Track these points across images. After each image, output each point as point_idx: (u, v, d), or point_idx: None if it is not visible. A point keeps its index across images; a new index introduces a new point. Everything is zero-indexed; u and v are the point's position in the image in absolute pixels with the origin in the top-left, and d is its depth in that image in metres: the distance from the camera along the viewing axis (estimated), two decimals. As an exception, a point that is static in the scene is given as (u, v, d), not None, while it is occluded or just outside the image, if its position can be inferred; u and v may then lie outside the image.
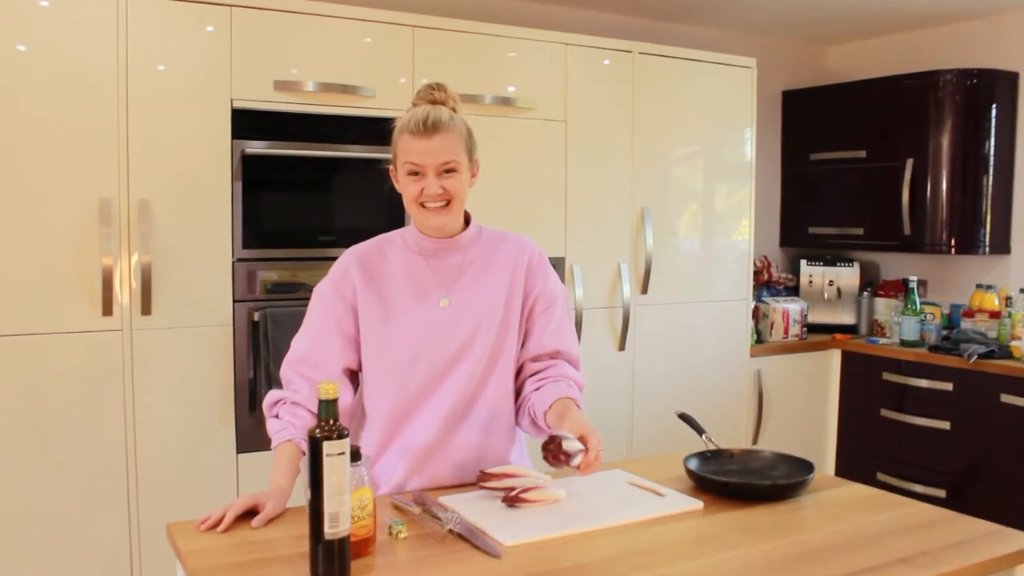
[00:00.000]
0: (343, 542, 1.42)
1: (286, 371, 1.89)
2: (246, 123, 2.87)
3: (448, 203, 1.83)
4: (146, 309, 2.73)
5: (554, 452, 1.73)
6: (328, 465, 1.40)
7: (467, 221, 1.95)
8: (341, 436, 1.42)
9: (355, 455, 1.52)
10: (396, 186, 1.89)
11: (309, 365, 1.86)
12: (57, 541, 2.66)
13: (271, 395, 1.88)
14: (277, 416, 1.85)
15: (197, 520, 1.66)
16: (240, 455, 2.91)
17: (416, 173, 1.81)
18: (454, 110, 1.86)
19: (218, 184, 2.84)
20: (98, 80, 2.65)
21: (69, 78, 2.61)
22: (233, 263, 2.87)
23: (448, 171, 1.81)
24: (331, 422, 1.42)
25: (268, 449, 1.83)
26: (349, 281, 1.89)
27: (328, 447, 1.40)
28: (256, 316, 2.89)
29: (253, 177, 2.89)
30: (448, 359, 1.88)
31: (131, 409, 2.74)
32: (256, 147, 2.89)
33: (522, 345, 1.96)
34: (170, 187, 2.76)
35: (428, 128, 1.78)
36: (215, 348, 2.86)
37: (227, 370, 2.87)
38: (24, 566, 2.62)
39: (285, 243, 2.97)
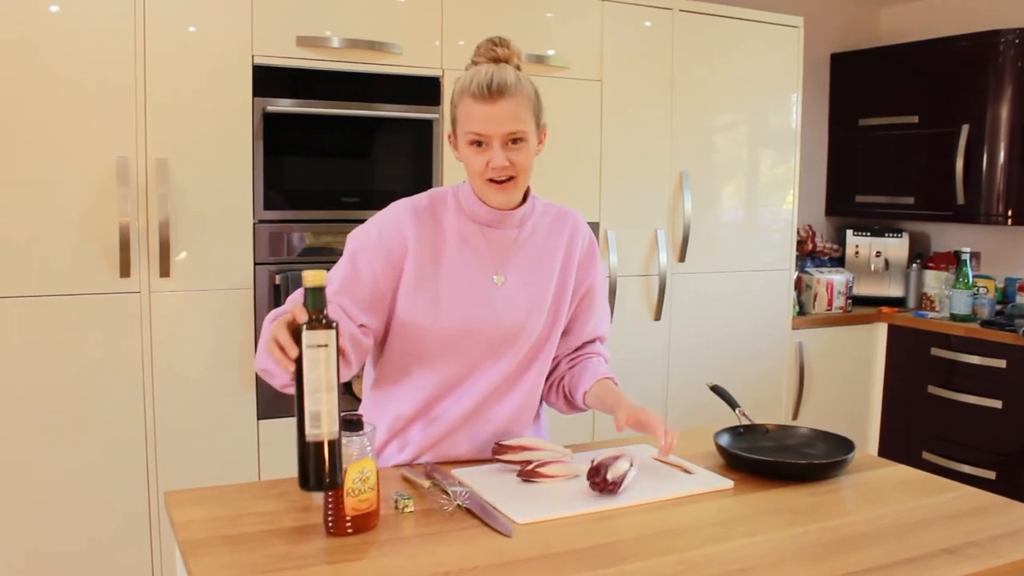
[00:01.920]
0: (332, 445, 1.30)
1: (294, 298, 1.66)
2: (268, 80, 2.78)
3: (514, 178, 1.68)
4: (164, 271, 2.66)
5: (600, 484, 1.60)
6: (308, 357, 1.27)
7: (525, 191, 1.81)
8: (328, 327, 1.29)
9: (357, 424, 1.43)
10: (455, 154, 1.73)
11: (335, 296, 1.66)
12: (75, 505, 2.62)
13: (272, 313, 1.62)
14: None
15: (194, 489, 1.59)
16: (261, 421, 2.85)
17: (479, 143, 1.65)
18: (518, 68, 1.70)
19: (239, 143, 2.75)
20: (115, 34, 2.57)
21: (85, 32, 2.53)
22: (254, 225, 2.79)
23: (515, 141, 1.65)
24: (319, 312, 1.30)
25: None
26: (401, 236, 1.71)
27: (308, 337, 1.27)
28: (278, 279, 2.81)
29: (275, 136, 2.80)
30: (496, 340, 1.76)
31: (150, 373, 2.68)
32: (278, 105, 2.79)
33: (565, 331, 1.88)
34: (189, 146, 2.68)
35: (493, 92, 1.61)
36: (236, 312, 2.78)
37: (248, 334, 2.80)
38: (42, 529, 2.59)
39: (308, 205, 2.88)
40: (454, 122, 1.70)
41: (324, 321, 1.29)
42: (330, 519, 1.41)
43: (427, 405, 1.77)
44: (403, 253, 1.71)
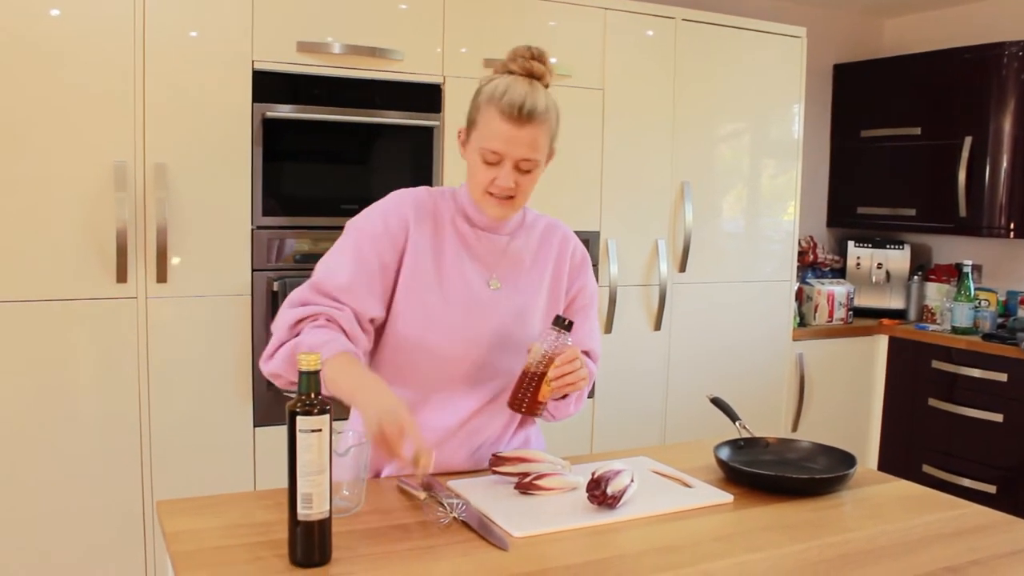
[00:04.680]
0: (323, 524, 1.32)
1: (308, 295, 1.62)
2: (268, 86, 2.76)
3: (514, 198, 1.66)
4: (161, 277, 2.65)
5: (600, 498, 1.58)
6: (302, 442, 1.29)
7: None
8: (323, 411, 1.30)
9: (570, 325, 1.63)
10: (461, 151, 1.70)
11: (347, 294, 1.62)
12: (69, 512, 2.60)
13: (291, 314, 1.60)
14: (300, 329, 1.58)
15: (187, 498, 1.57)
16: (257, 428, 2.83)
17: (493, 160, 1.63)
18: (547, 86, 1.67)
19: (238, 149, 2.73)
20: (114, 38, 2.55)
21: (84, 36, 2.52)
22: (252, 231, 2.78)
23: (526, 168, 1.64)
24: (312, 396, 1.31)
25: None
26: (404, 223, 1.67)
27: (302, 422, 1.29)
28: (275, 286, 2.80)
29: (274, 142, 2.78)
30: (491, 345, 1.72)
31: (145, 379, 2.66)
32: (278, 111, 2.78)
33: None
34: (188, 151, 2.67)
35: (523, 116, 1.58)
36: (233, 318, 2.77)
37: (245, 341, 2.78)
38: (36, 536, 2.56)
39: (307, 211, 2.87)
40: (472, 124, 1.66)
41: (317, 406, 1.31)
42: (520, 399, 1.64)
43: (418, 410, 1.70)
44: (406, 239, 1.67)
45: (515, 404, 1.65)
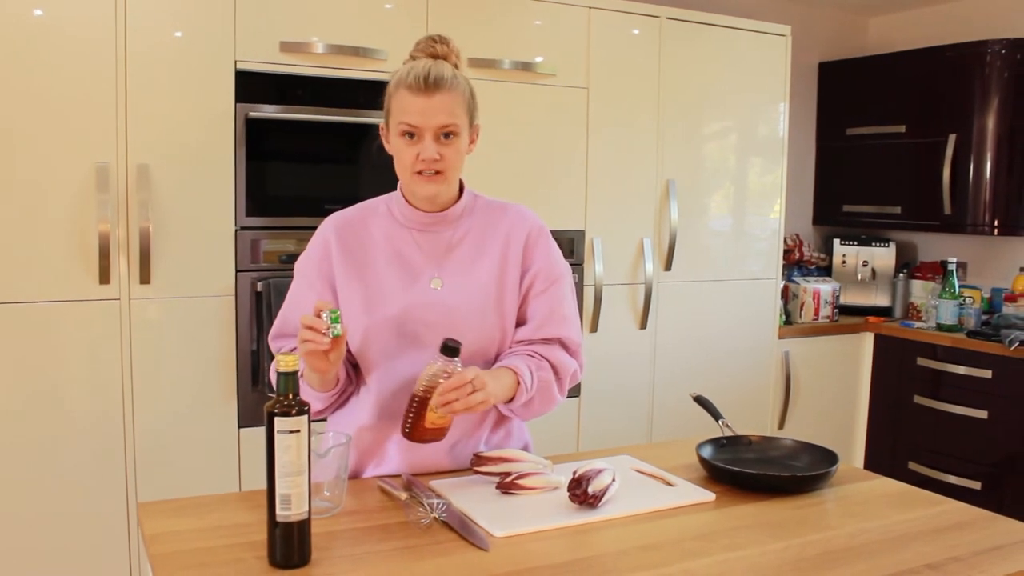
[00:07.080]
0: (302, 525, 1.32)
1: (273, 344, 1.80)
2: (250, 86, 2.75)
3: (442, 172, 1.66)
4: (145, 278, 2.63)
5: (581, 497, 1.57)
6: (280, 443, 1.30)
7: (460, 189, 1.79)
8: (301, 412, 1.30)
9: (456, 351, 1.58)
10: (387, 147, 1.73)
11: (288, 338, 1.76)
12: (51, 515, 2.58)
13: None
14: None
15: (169, 500, 1.56)
16: (242, 429, 2.82)
17: (411, 135, 1.64)
18: (456, 67, 1.69)
19: (221, 149, 2.72)
20: (95, 38, 2.54)
21: (66, 37, 2.50)
22: (236, 232, 2.77)
23: (447, 135, 1.65)
24: (290, 397, 1.31)
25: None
26: (325, 250, 1.74)
27: (280, 423, 1.30)
28: (259, 287, 2.79)
29: (257, 142, 2.77)
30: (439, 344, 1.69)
31: (129, 381, 2.65)
32: (261, 111, 2.77)
33: (518, 325, 1.80)
34: (170, 152, 2.65)
35: (429, 85, 1.61)
36: (217, 319, 2.75)
37: (229, 342, 2.77)
38: (19, 538, 2.55)
39: (290, 211, 2.86)
40: (388, 114, 1.69)
41: (295, 407, 1.31)
42: (408, 426, 1.60)
43: (386, 415, 1.73)
44: (331, 268, 1.74)
45: (403, 428, 1.62)
